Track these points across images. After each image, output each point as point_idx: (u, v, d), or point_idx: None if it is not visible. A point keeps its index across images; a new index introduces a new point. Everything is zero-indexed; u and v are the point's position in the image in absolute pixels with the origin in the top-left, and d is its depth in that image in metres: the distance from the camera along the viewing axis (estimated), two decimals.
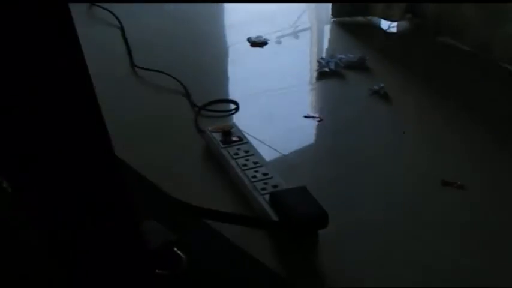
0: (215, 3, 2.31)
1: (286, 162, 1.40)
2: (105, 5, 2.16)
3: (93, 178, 0.52)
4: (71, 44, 0.47)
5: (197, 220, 0.87)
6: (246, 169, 1.29)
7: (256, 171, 1.28)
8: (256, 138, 1.45)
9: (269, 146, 1.44)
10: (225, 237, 0.82)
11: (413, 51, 1.99)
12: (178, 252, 0.75)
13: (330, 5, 2.19)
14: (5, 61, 0.43)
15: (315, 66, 1.84)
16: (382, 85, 1.68)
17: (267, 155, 1.38)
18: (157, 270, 0.70)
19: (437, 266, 1.09)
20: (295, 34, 2.12)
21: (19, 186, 0.52)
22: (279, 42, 2.03)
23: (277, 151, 1.43)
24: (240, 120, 1.54)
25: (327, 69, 1.80)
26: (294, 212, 1.11)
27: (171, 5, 2.22)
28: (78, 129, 0.50)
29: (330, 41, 2.11)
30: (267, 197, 1.19)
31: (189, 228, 0.84)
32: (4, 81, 0.44)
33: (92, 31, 2.00)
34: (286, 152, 1.43)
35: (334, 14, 2.17)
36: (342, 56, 1.84)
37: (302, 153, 1.45)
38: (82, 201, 0.52)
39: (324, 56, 1.87)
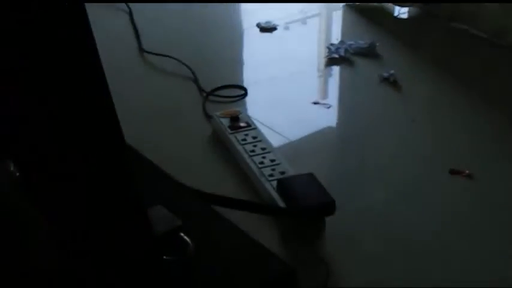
0: (226, 3, 2.26)
1: (294, 148, 1.39)
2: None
3: (102, 165, 0.52)
4: (83, 30, 0.47)
5: (204, 206, 0.87)
6: (254, 155, 1.29)
7: (264, 157, 1.28)
8: (264, 124, 1.45)
9: (277, 132, 1.43)
10: (232, 223, 0.82)
11: (424, 38, 1.97)
12: (185, 237, 0.74)
13: None
14: (15, 46, 0.43)
15: (324, 52, 1.83)
16: (392, 72, 1.67)
17: (275, 141, 1.38)
18: (164, 257, 0.69)
19: (445, 254, 1.09)
20: (304, 20, 2.11)
21: (28, 171, 0.52)
22: (288, 28, 2.02)
23: (285, 137, 1.42)
24: (248, 106, 1.54)
25: (336, 56, 1.79)
26: (301, 199, 1.11)
27: (180, 5, 2.19)
28: (89, 115, 0.49)
29: (340, 26, 2.09)
30: (274, 183, 1.19)
31: (196, 214, 0.83)
32: (16, 69, 0.44)
33: (100, 16, 1.99)
34: (294, 139, 1.42)
35: None
36: (352, 43, 1.83)
37: (310, 140, 1.44)
38: (90, 187, 0.51)
39: (333, 42, 1.86)
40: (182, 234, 0.75)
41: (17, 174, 0.80)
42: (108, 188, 0.52)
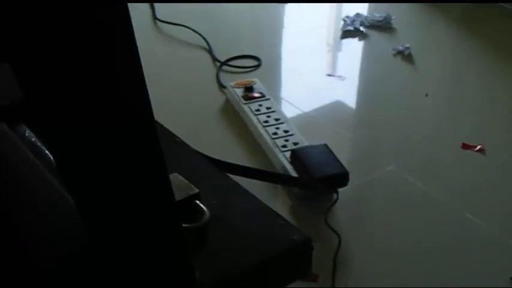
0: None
1: (307, 119, 1.39)
2: None
3: (129, 133, 0.52)
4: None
5: (220, 174, 0.87)
6: (267, 125, 1.29)
7: (278, 128, 1.28)
8: (278, 95, 1.45)
9: (291, 103, 1.43)
10: (249, 192, 0.82)
11: (443, 12, 1.95)
12: (202, 205, 0.75)
13: None
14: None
15: (340, 24, 1.81)
16: (407, 45, 1.66)
17: (289, 112, 1.38)
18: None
19: (456, 226, 1.09)
20: None
21: (59, 148, 0.52)
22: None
23: (298, 108, 1.42)
24: (262, 76, 1.53)
25: (351, 28, 1.78)
26: (314, 170, 1.11)
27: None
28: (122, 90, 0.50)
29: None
30: (287, 154, 1.19)
31: (212, 182, 0.84)
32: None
33: None
34: (307, 110, 1.42)
35: None
36: (367, 15, 1.82)
37: (324, 112, 1.44)
38: (116, 154, 0.52)
39: (349, 14, 1.85)
40: (198, 202, 0.76)
41: (33, 139, 0.81)
42: (132, 153, 0.52)
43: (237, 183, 0.84)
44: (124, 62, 0.48)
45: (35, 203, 0.68)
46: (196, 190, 0.76)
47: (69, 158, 0.50)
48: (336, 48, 1.76)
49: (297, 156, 1.15)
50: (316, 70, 1.60)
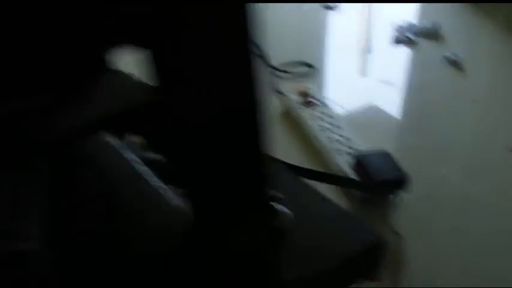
0: None
1: (360, 124, 1.43)
2: None
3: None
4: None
5: (294, 177, 0.91)
6: (324, 130, 1.33)
7: (334, 133, 1.32)
8: (332, 100, 1.48)
9: (344, 108, 1.47)
10: (325, 195, 0.86)
11: (493, 19, 1.95)
12: (282, 207, 0.79)
13: None
14: None
15: (390, 31, 1.84)
16: (455, 53, 1.68)
17: (343, 117, 1.42)
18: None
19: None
20: None
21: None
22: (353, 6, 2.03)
23: (350, 113, 1.46)
24: (315, 82, 1.57)
25: (401, 36, 1.81)
26: (376, 174, 1.15)
27: None
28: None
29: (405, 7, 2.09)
30: (345, 158, 1.23)
31: (287, 185, 0.88)
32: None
33: None
34: (358, 115, 1.46)
35: None
36: (417, 23, 1.84)
37: (374, 117, 1.48)
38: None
39: (399, 22, 1.87)
40: (279, 204, 0.79)
41: (135, 149, 0.84)
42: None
43: (312, 186, 0.88)
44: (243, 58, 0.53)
45: (141, 216, 0.72)
46: (279, 194, 0.80)
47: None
48: (385, 55, 1.78)
49: (359, 161, 1.19)
50: (368, 76, 1.64)
